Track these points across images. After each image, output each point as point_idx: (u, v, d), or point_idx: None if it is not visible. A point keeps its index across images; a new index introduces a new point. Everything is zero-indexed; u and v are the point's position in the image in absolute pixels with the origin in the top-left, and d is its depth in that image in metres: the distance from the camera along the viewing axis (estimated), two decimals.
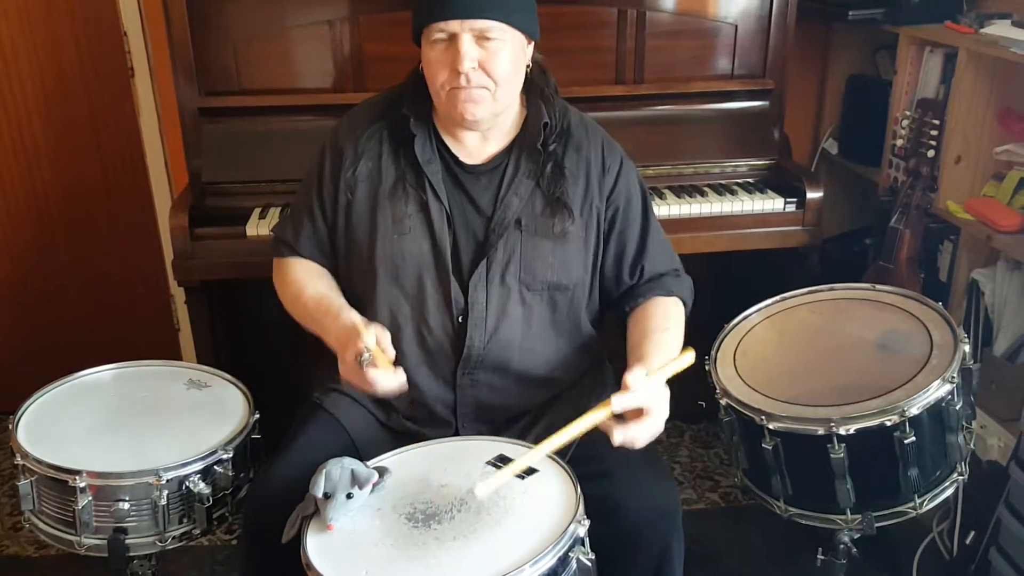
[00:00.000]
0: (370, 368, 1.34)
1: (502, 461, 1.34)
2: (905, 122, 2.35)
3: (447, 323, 1.50)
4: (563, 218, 1.51)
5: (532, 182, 1.52)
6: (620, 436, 1.29)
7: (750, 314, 1.77)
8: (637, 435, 1.30)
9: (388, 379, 1.35)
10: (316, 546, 1.19)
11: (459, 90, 1.42)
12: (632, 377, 1.30)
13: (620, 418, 1.30)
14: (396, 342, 1.47)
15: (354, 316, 1.45)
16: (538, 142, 1.51)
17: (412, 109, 1.51)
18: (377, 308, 1.51)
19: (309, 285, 1.55)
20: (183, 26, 2.16)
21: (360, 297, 1.54)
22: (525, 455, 1.28)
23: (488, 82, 1.43)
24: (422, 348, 1.52)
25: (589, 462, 1.44)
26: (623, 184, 1.58)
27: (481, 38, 1.41)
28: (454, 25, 1.39)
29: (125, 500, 1.45)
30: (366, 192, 1.52)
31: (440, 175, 1.51)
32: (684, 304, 1.59)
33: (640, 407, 1.29)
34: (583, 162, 1.55)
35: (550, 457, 1.34)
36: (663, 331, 1.50)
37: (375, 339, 1.36)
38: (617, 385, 1.48)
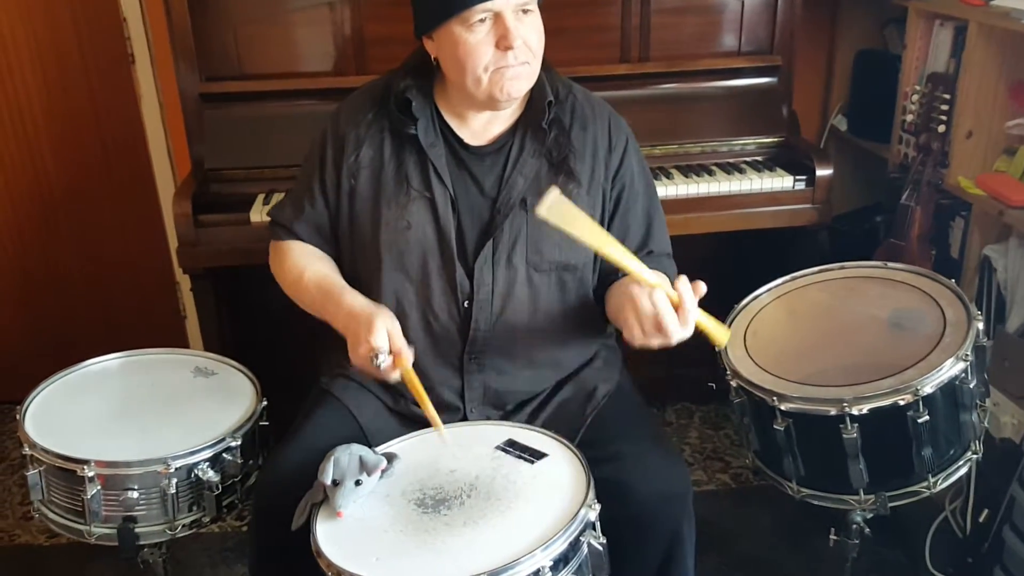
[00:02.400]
0: (387, 371, 1.36)
1: (511, 446, 1.33)
2: (915, 97, 2.31)
3: (452, 308, 1.49)
4: (570, 185, 1.50)
5: (537, 161, 1.50)
6: (661, 297, 1.29)
7: (760, 294, 1.76)
8: (665, 313, 1.29)
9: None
10: (326, 533, 1.19)
11: (506, 68, 1.40)
12: (682, 282, 1.31)
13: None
14: (402, 328, 1.46)
15: (357, 302, 1.44)
16: (543, 120, 1.49)
17: (413, 92, 1.49)
18: (382, 295, 1.50)
19: (309, 268, 1.54)
20: (182, 11, 2.14)
21: (365, 284, 1.53)
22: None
23: (529, 56, 1.42)
24: (428, 334, 1.51)
25: (599, 445, 1.44)
26: (629, 162, 1.56)
27: (519, 12, 1.39)
28: (501, 3, 1.37)
29: (134, 489, 1.45)
30: (369, 179, 1.51)
31: (444, 158, 1.49)
32: None
33: (682, 304, 1.30)
34: (590, 140, 1.53)
35: (560, 441, 1.33)
36: None
37: (387, 336, 1.35)
38: (628, 368, 1.46)
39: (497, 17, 1.38)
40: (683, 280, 1.31)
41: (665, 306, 1.30)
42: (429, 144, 1.49)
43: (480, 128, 1.52)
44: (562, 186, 1.50)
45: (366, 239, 1.51)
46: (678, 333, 1.31)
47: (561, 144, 1.50)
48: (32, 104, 2.56)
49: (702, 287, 1.32)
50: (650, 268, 1.55)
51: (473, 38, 1.39)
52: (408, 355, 1.38)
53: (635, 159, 1.58)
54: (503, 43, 1.38)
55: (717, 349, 1.61)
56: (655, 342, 1.34)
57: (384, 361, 1.34)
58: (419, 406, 1.41)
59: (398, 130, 1.50)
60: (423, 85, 1.50)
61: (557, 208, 1.27)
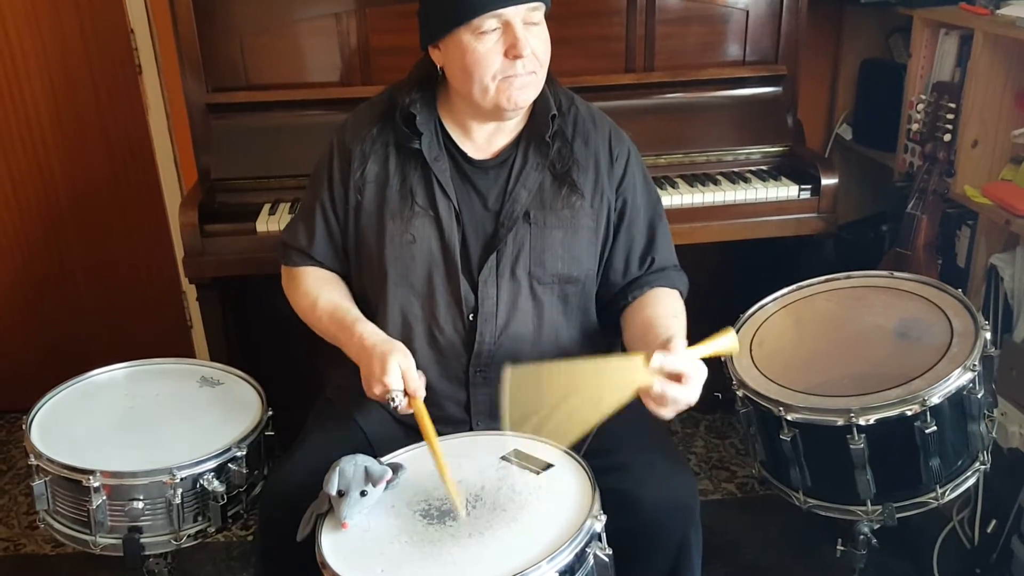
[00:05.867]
0: (402, 411, 1.35)
1: (517, 456, 1.33)
2: (920, 106, 2.31)
3: (458, 321, 1.49)
4: (572, 193, 1.50)
5: (540, 174, 1.50)
6: (659, 386, 1.24)
7: (766, 303, 1.76)
8: (675, 394, 1.25)
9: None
10: (331, 544, 1.19)
11: (514, 78, 1.41)
12: (676, 342, 1.27)
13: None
14: (407, 342, 1.46)
15: (368, 334, 1.43)
16: (546, 133, 1.50)
17: (417, 106, 1.49)
18: (388, 309, 1.50)
19: (321, 296, 1.54)
20: (189, 22, 2.16)
21: (371, 298, 1.54)
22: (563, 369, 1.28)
23: (536, 65, 1.43)
24: (433, 348, 1.51)
25: (605, 455, 1.43)
26: (631, 174, 1.56)
27: (527, 22, 1.40)
28: (511, 12, 1.37)
29: (139, 499, 1.45)
30: (374, 194, 1.51)
31: (448, 172, 1.50)
32: (682, 299, 1.58)
33: (679, 372, 1.26)
34: (591, 153, 1.53)
35: (566, 452, 1.33)
36: (672, 317, 1.48)
37: (400, 376, 1.35)
38: None
39: (507, 26, 1.38)
40: (656, 355, 1.25)
41: (668, 388, 1.26)
42: (433, 158, 1.49)
43: (484, 141, 1.52)
44: (565, 199, 1.50)
45: (372, 254, 1.51)
46: (696, 387, 1.28)
47: (564, 157, 1.51)
48: (40, 114, 2.57)
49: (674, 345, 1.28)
50: (651, 280, 1.56)
51: (482, 46, 1.39)
52: (422, 392, 1.38)
53: (638, 172, 1.58)
54: (512, 52, 1.39)
55: (722, 358, 1.61)
56: (692, 399, 1.30)
57: (400, 403, 1.34)
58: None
59: (402, 144, 1.50)
60: (427, 99, 1.50)
61: (517, 377, 1.26)
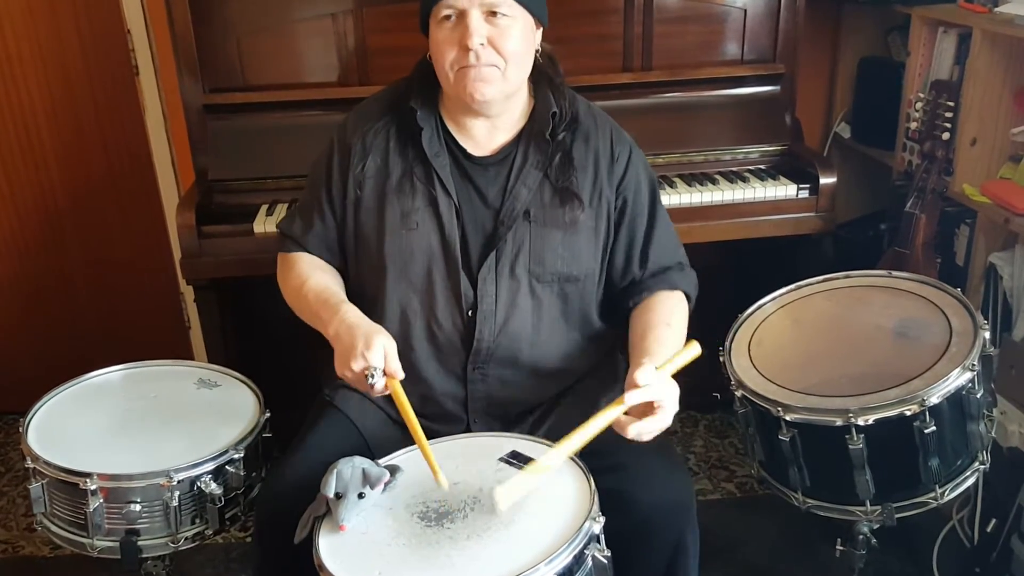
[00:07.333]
0: (378, 389, 1.34)
1: (515, 458, 1.33)
2: (919, 104, 2.31)
3: (456, 317, 1.49)
4: (572, 207, 1.50)
5: (540, 173, 1.50)
6: (634, 430, 1.27)
7: (764, 303, 1.75)
8: (648, 428, 1.29)
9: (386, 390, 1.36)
10: (328, 547, 1.18)
11: (468, 68, 1.41)
12: (641, 373, 1.28)
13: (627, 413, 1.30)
14: (406, 337, 1.46)
15: (356, 315, 1.42)
16: (547, 132, 1.50)
17: (419, 102, 1.49)
18: (387, 304, 1.50)
19: (311, 277, 1.53)
20: (186, 23, 2.16)
21: (370, 293, 1.53)
22: (543, 457, 1.26)
23: (498, 60, 1.42)
24: (432, 343, 1.50)
25: (601, 455, 1.42)
26: (632, 173, 1.56)
27: (490, 15, 1.40)
28: (463, 1, 1.38)
29: (137, 502, 1.45)
30: (374, 188, 1.51)
31: (448, 168, 1.50)
32: (688, 298, 1.57)
33: (651, 401, 1.28)
34: (592, 152, 1.53)
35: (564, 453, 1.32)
36: (665, 326, 1.48)
37: (383, 355, 1.34)
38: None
39: (461, 15, 1.40)
40: (627, 397, 1.27)
41: (645, 424, 1.28)
42: (434, 153, 1.49)
43: (483, 138, 1.52)
44: (565, 208, 1.49)
45: (371, 249, 1.51)
46: (671, 411, 1.29)
47: (563, 157, 1.50)
48: (37, 116, 2.56)
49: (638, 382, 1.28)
50: (651, 284, 1.55)
51: (441, 34, 1.41)
52: (400, 374, 1.36)
53: (640, 171, 1.57)
54: (461, 42, 1.40)
55: (721, 358, 1.61)
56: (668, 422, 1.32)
57: (378, 381, 1.33)
58: (423, 416, 1.40)
59: (403, 140, 1.50)
60: (428, 95, 1.51)
61: (511, 494, 1.22)
